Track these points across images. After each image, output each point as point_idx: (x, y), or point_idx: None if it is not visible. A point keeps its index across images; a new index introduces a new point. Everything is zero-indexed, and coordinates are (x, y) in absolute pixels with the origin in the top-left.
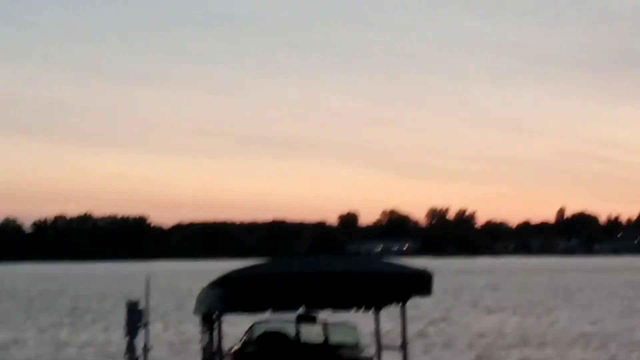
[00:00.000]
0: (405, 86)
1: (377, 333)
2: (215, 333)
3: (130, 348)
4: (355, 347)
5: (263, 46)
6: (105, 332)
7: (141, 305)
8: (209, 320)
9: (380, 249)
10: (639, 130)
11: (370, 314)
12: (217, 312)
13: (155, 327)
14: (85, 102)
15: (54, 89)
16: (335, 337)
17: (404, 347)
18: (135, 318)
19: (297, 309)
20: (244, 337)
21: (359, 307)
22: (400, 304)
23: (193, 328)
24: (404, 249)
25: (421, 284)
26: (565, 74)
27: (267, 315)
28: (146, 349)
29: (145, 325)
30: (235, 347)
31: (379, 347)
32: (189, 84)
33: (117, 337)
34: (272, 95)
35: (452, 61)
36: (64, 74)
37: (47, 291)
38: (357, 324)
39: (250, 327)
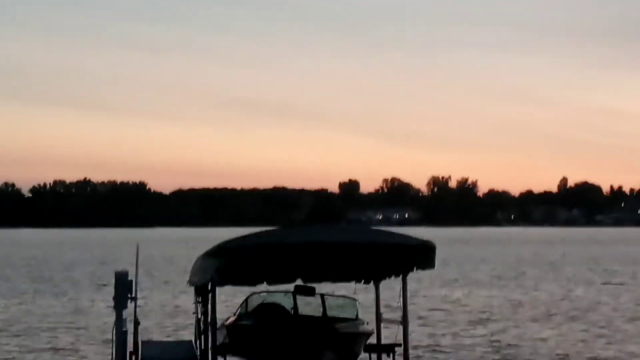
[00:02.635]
0: (408, 54)
1: (377, 306)
2: (209, 305)
3: (119, 320)
4: (355, 320)
5: (263, 13)
6: (93, 300)
7: (131, 276)
8: (203, 291)
9: (380, 217)
10: None
11: (370, 286)
12: (211, 283)
13: (150, 298)
14: (86, 67)
15: (52, 55)
16: (334, 310)
17: (404, 320)
18: (124, 290)
19: (294, 280)
20: (240, 309)
21: (358, 279)
22: (401, 277)
23: (188, 299)
24: (405, 217)
25: (423, 256)
26: (569, 43)
27: (263, 286)
28: (136, 322)
29: (135, 297)
30: (231, 320)
31: (379, 321)
32: (190, 50)
33: (103, 306)
34: (273, 62)
35: (456, 29)
36: (63, 40)
37: (39, 257)
38: (356, 296)
39: (246, 299)
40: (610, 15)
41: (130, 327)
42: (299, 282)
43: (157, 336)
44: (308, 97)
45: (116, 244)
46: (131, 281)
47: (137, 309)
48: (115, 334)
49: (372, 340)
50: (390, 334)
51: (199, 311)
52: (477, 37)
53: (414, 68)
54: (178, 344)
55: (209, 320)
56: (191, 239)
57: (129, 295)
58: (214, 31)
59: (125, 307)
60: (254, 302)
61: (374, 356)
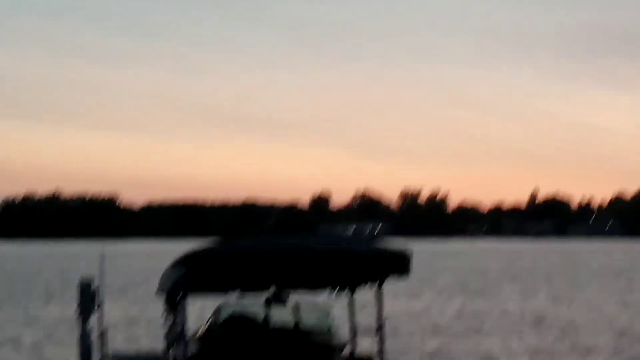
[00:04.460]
0: (378, 66)
1: (352, 316)
2: (179, 315)
3: (84, 331)
4: (329, 331)
5: (233, 25)
6: (57, 313)
7: (95, 285)
8: (172, 301)
9: (352, 230)
10: (613, 113)
11: (345, 296)
12: (180, 293)
13: (119, 309)
14: (54, 79)
15: (21, 66)
16: (307, 321)
17: (380, 331)
18: (88, 298)
19: (267, 290)
20: (209, 320)
21: (332, 289)
22: (377, 286)
23: (159, 309)
24: (377, 230)
25: (400, 264)
26: (538, 55)
27: (233, 296)
28: (103, 332)
29: (100, 306)
30: (200, 331)
31: (354, 332)
32: (160, 62)
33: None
34: (243, 74)
35: (426, 41)
36: (31, 51)
37: (5, 270)
38: (330, 306)
39: (217, 309)
40: (581, 27)
41: (96, 337)
42: (271, 291)
43: (126, 347)
44: (279, 109)
45: (85, 257)
46: (96, 289)
47: (106, 320)
48: (80, 344)
49: (347, 351)
50: (364, 346)
51: (168, 322)
52: (448, 49)
53: (384, 80)
54: (147, 355)
55: (179, 330)
56: (162, 251)
57: (94, 305)
58: (183, 42)
59: (90, 316)
60: (225, 312)
61: None
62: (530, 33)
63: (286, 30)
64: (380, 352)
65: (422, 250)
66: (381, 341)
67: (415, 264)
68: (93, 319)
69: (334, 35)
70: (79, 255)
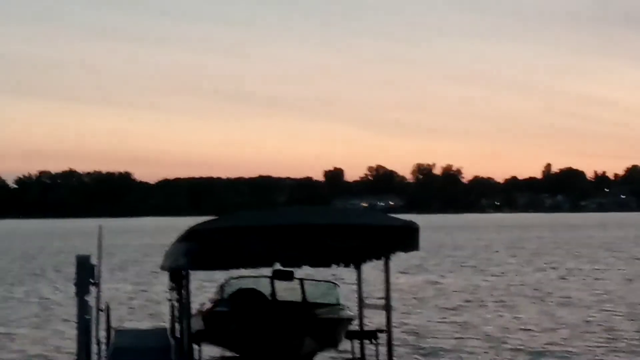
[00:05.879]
0: (390, 43)
1: (359, 291)
2: (184, 291)
3: (81, 308)
4: (335, 306)
5: (244, 4)
6: (58, 290)
7: (94, 261)
8: (177, 276)
9: (365, 205)
10: (625, 88)
11: (351, 270)
12: (184, 268)
13: (125, 284)
14: (69, 59)
15: (34, 46)
16: (314, 296)
17: (387, 306)
18: (86, 274)
19: (272, 265)
20: (216, 295)
21: (338, 263)
22: (384, 260)
23: (164, 285)
24: (390, 205)
25: (406, 237)
26: (551, 30)
27: (239, 271)
28: (106, 309)
29: (98, 282)
30: (207, 306)
31: (361, 306)
32: (174, 42)
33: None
34: (256, 53)
35: (437, 17)
36: (46, 30)
37: (20, 247)
38: (337, 280)
39: (222, 285)
40: (597, 1)
41: (96, 314)
42: (276, 266)
43: (130, 324)
44: (292, 87)
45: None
46: (94, 265)
47: (110, 296)
48: (78, 321)
49: (354, 326)
50: (372, 320)
51: (173, 297)
52: (460, 25)
53: (396, 57)
54: (152, 332)
55: (184, 306)
56: (175, 228)
57: (92, 280)
58: (195, 22)
59: (88, 292)
60: (231, 288)
61: (355, 343)
62: (540, 8)
63: (298, 10)
64: (388, 325)
65: (435, 225)
66: (389, 315)
67: (426, 237)
68: (92, 294)
69: (344, 11)
70: (92, 232)
